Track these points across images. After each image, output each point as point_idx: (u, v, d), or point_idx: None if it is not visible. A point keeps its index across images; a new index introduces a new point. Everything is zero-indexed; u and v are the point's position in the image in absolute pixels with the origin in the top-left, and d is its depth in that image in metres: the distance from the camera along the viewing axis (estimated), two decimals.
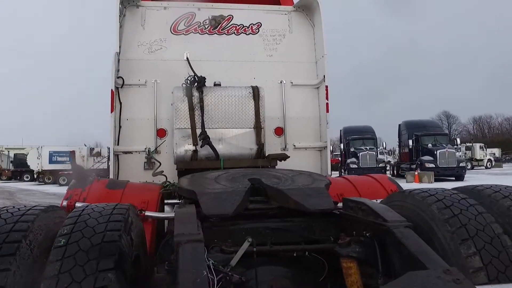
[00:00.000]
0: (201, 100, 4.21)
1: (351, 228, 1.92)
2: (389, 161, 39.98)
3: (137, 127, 4.74)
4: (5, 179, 38.73)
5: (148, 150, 4.65)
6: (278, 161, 4.50)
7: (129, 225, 1.59)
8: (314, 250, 1.82)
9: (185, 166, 4.14)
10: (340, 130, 34.19)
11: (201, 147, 4.14)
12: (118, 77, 4.65)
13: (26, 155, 37.39)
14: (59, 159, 34.10)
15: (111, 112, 4.41)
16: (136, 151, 4.70)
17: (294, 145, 5.08)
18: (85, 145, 35.65)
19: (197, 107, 4.20)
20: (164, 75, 4.80)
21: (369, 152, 27.33)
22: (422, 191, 1.91)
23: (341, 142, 34.18)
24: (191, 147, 4.19)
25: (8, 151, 42.25)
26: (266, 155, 4.41)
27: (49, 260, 1.33)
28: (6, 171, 39.99)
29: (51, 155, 34.29)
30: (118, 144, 4.68)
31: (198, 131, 4.14)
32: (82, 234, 1.42)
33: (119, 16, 4.72)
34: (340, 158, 33.39)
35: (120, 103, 4.71)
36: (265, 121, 4.41)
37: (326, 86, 4.95)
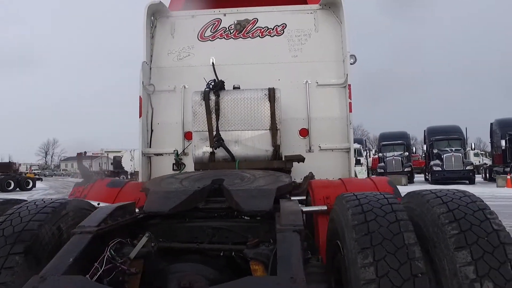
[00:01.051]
0: (217, 104, 4.34)
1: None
2: (485, 163, 36.39)
3: (167, 130, 5.06)
4: None
5: (176, 152, 4.92)
6: (298, 162, 4.47)
7: (58, 217, 1.78)
8: (227, 250, 1.82)
9: (203, 167, 4.33)
10: (424, 131, 32.70)
11: (215, 149, 4.28)
12: (149, 84, 5.03)
13: (121, 157, 41.47)
14: None
15: (139, 117, 4.76)
16: (166, 153, 5.02)
17: (320, 146, 4.96)
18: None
19: (214, 110, 4.35)
20: (191, 81, 5.05)
21: (455, 154, 25.04)
22: (354, 194, 1.79)
23: (424, 143, 32.37)
24: (208, 149, 4.36)
25: (107, 154, 47.31)
26: (284, 156, 4.38)
27: None
28: (106, 172, 44.85)
29: None
30: (150, 147, 5.05)
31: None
32: (10, 223, 1.64)
33: (151, 27, 5.11)
34: (425, 161, 32.33)
35: (152, 108, 5.08)
36: (281, 122, 4.40)
37: (349, 85, 4.76)
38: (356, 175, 5.23)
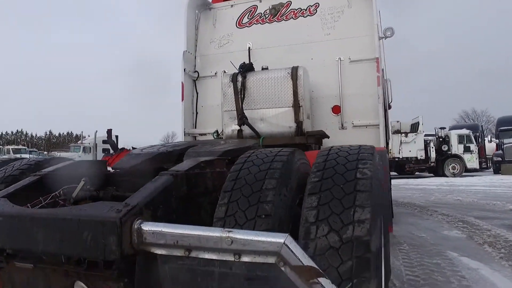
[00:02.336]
0: (243, 84, 4.70)
1: None
2: None
3: (210, 112, 5.61)
4: None
5: (216, 131, 5.42)
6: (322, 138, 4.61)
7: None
8: None
9: None
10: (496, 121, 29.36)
11: (239, 126, 4.64)
12: (194, 71, 5.63)
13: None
14: None
15: (182, 101, 5.39)
16: (209, 133, 5.56)
17: (353, 123, 4.96)
18: None
19: (240, 91, 4.72)
20: (230, 66, 5.48)
21: None
22: (256, 151, 1.98)
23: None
24: (236, 127, 4.76)
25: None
26: (306, 132, 4.54)
27: None
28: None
29: None
30: (195, 128, 5.66)
31: None
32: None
33: (195, 19, 5.68)
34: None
35: (197, 93, 5.68)
36: (304, 99, 4.55)
37: (377, 58, 4.66)
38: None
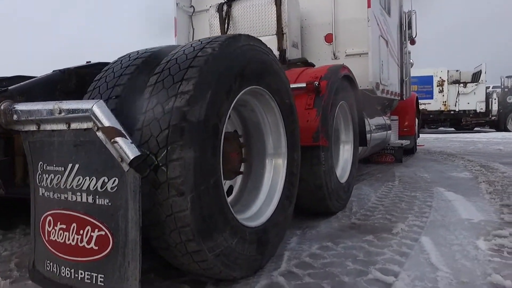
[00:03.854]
0: (227, 13, 4.66)
1: None
2: None
3: None
4: None
5: None
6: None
7: None
8: None
9: None
10: None
11: None
12: (190, 6, 5.64)
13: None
14: None
15: (175, 37, 5.46)
16: None
17: (346, 52, 4.75)
18: None
19: (226, 21, 4.69)
20: None
21: None
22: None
23: None
24: None
25: None
26: (288, 60, 4.45)
27: None
28: None
29: None
30: None
31: None
32: None
33: None
34: None
35: (193, 29, 5.71)
36: (288, 26, 4.44)
37: None
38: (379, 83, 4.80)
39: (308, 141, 2.73)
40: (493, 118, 19.38)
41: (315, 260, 2.16)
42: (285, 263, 2.13)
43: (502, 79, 20.45)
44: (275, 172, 2.27)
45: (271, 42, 4.51)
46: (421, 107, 19.33)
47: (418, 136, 9.34)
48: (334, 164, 3.06)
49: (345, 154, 3.59)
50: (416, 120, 8.39)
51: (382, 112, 6.25)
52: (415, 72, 18.60)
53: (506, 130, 19.06)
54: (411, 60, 7.77)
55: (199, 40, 1.85)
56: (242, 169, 2.27)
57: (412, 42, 6.99)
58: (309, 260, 2.17)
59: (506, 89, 19.88)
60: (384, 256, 2.19)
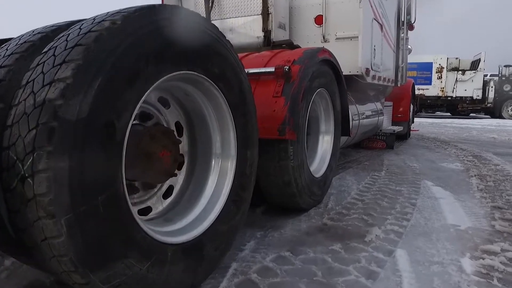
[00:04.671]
0: None
1: None
2: None
3: None
4: None
5: None
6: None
7: None
8: None
9: None
10: None
11: None
12: None
13: None
14: None
15: None
16: None
17: (336, 35, 4.11)
18: None
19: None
20: None
21: None
22: None
23: None
24: None
25: None
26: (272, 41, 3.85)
27: None
28: None
29: None
30: None
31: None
32: None
33: None
34: None
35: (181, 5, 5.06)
36: (274, 5, 3.81)
37: None
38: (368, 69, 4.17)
39: (273, 133, 2.19)
40: (488, 105, 18.35)
41: (262, 279, 1.65)
42: (226, 282, 1.64)
43: (500, 68, 19.24)
44: (221, 172, 1.74)
45: (255, 23, 3.93)
46: (420, 92, 18.52)
47: (413, 122, 8.67)
48: (306, 158, 2.51)
49: (325, 145, 3.03)
50: (411, 106, 7.70)
51: (375, 97, 5.62)
52: (415, 58, 17.65)
53: (501, 117, 18.07)
54: (409, 46, 7.02)
55: (107, 12, 1.31)
56: (183, 168, 1.76)
57: (411, 27, 6.23)
58: (256, 278, 1.66)
59: (503, 78, 18.73)
60: (347, 278, 1.68)
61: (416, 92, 18.67)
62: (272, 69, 2.29)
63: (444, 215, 2.58)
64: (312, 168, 2.76)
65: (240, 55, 3.09)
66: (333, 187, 3.36)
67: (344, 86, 3.12)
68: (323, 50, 2.74)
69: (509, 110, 18.17)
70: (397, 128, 6.41)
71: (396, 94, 6.78)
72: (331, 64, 2.86)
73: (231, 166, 1.72)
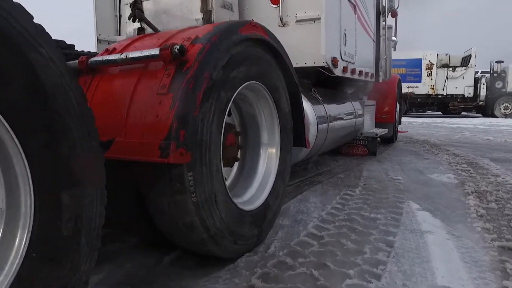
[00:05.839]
0: None
1: None
2: None
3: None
4: None
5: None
6: None
7: None
8: None
9: None
10: None
11: (133, 22, 3.22)
12: None
13: None
14: None
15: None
16: None
17: (296, 16, 3.29)
18: None
19: None
20: None
21: None
22: None
23: None
24: (136, 24, 3.35)
25: None
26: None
27: None
28: None
29: None
30: (120, 34, 4.31)
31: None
32: None
33: None
34: None
35: None
36: None
37: None
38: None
39: (152, 154, 1.35)
40: (480, 103, 17.72)
41: None
42: None
43: (492, 64, 18.63)
44: None
45: (192, 2, 3.13)
46: (409, 90, 17.85)
47: (400, 123, 7.91)
48: (223, 187, 1.67)
49: (267, 162, 2.19)
50: (397, 105, 6.92)
51: (353, 96, 4.82)
52: (404, 54, 16.97)
53: (493, 115, 17.48)
54: (393, 38, 6.24)
55: None
56: None
57: (394, 14, 5.44)
58: None
59: (495, 74, 18.15)
60: None
61: (406, 90, 18.08)
62: (157, 51, 1.45)
63: (431, 267, 1.76)
64: (243, 199, 1.92)
65: (137, 37, 2.27)
66: (287, 216, 2.53)
67: (293, 79, 2.28)
68: (251, 25, 1.91)
69: (502, 109, 17.59)
70: (381, 131, 5.61)
71: (380, 92, 6.00)
72: (269, 46, 2.02)
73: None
